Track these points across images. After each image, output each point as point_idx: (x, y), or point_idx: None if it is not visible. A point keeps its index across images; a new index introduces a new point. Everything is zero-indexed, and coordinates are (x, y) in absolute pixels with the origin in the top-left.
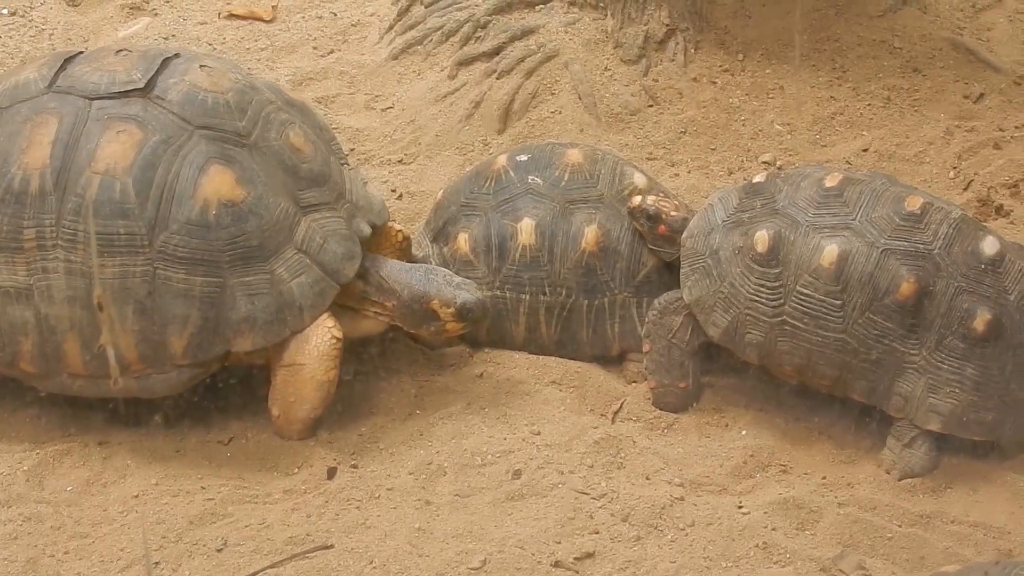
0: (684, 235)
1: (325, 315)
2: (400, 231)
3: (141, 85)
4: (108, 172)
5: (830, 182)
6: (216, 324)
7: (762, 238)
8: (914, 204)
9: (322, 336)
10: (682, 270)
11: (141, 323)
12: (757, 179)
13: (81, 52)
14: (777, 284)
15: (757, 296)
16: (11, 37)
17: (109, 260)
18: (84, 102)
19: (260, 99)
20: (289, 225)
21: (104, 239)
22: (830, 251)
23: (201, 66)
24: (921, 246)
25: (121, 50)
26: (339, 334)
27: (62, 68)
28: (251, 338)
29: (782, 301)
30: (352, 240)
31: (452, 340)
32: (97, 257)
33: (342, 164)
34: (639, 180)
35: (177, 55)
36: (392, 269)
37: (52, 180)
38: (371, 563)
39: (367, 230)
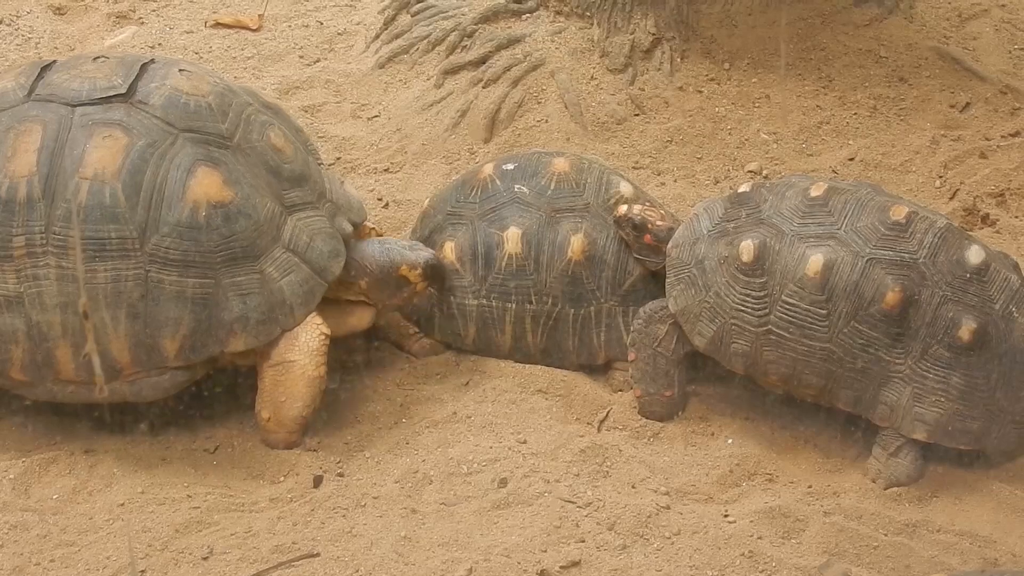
0: (670, 245)
1: (312, 312)
2: (373, 228)
3: (123, 90)
4: (97, 177)
5: (815, 191)
6: (209, 325)
7: (747, 248)
8: (899, 213)
9: (311, 332)
10: (667, 280)
11: (134, 327)
12: (742, 189)
13: (55, 61)
14: (762, 294)
15: (742, 306)
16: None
17: (101, 265)
18: (67, 109)
19: (239, 101)
20: (276, 225)
21: (96, 244)
22: (815, 261)
23: (180, 70)
24: (906, 255)
25: (98, 57)
26: (327, 331)
27: (39, 77)
28: (244, 338)
29: (767, 311)
30: (336, 238)
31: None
32: (89, 262)
33: (319, 164)
34: (625, 189)
35: (153, 60)
36: (356, 249)
37: (40, 187)
38: (357, 571)
39: (349, 228)
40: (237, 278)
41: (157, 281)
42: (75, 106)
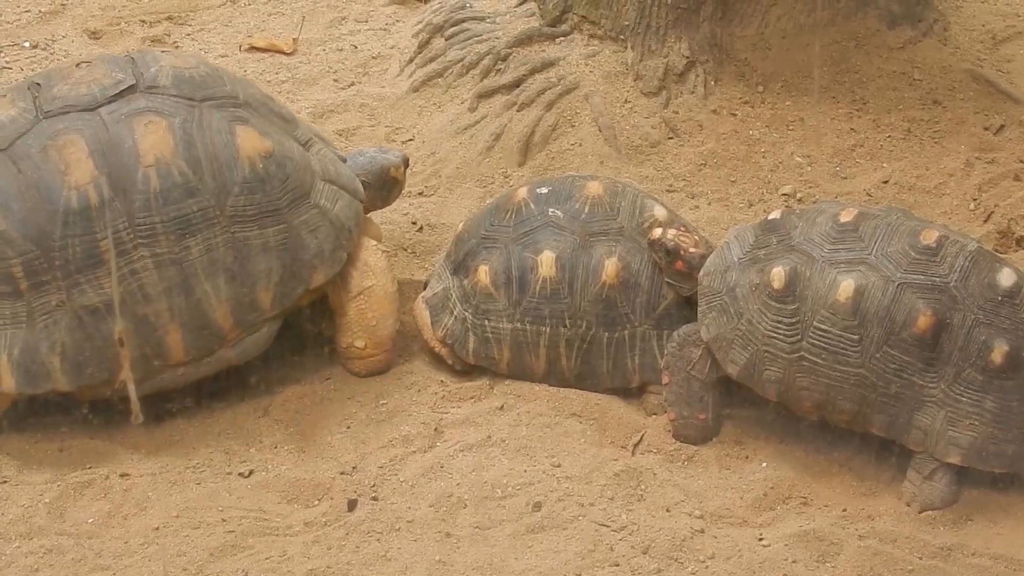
0: (701, 273)
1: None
2: None
3: (133, 82)
4: (160, 161)
5: (845, 217)
6: (293, 267)
7: (778, 274)
8: (929, 237)
9: (374, 254)
10: (699, 308)
11: (233, 289)
12: (772, 216)
13: (35, 81)
14: (794, 320)
15: (775, 333)
16: (33, 70)
17: (191, 240)
18: (91, 113)
19: (216, 66)
20: (308, 161)
21: (181, 222)
22: (846, 286)
23: (162, 52)
24: (937, 279)
25: (79, 63)
26: (383, 247)
27: (35, 96)
28: (323, 271)
29: (799, 337)
30: (345, 163)
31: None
32: (180, 240)
33: None
34: (659, 212)
35: (128, 54)
36: (351, 167)
37: (109, 187)
38: None
39: (343, 154)
40: (303, 217)
41: (243, 239)
42: (96, 108)
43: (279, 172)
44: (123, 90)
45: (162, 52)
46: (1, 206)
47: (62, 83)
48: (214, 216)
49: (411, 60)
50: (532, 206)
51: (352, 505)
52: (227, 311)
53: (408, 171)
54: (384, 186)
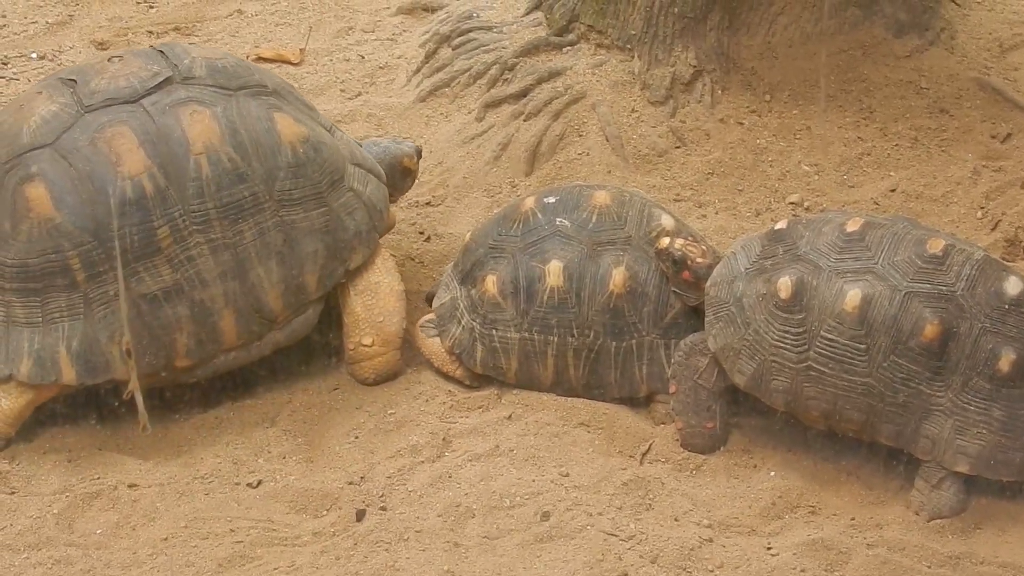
0: (708, 283)
1: None
2: None
3: (170, 73)
4: (209, 149)
5: (851, 227)
6: (335, 248)
7: (785, 284)
8: (936, 246)
9: (382, 253)
10: (707, 318)
11: (283, 272)
12: (779, 226)
13: (70, 78)
14: (801, 330)
15: (782, 342)
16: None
17: (244, 224)
18: (134, 105)
19: (241, 58)
20: (337, 146)
21: (234, 207)
22: (853, 295)
23: (190, 44)
24: (944, 288)
25: (112, 57)
26: (389, 251)
27: (73, 92)
28: (361, 251)
29: (807, 347)
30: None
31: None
32: (233, 225)
33: None
34: (667, 222)
35: (153, 46)
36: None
37: (162, 176)
38: None
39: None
40: (341, 199)
41: (291, 223)
42: (137, 101)
43: (316, 156)
44: (161, 81)
45: (191, 44)
46: (55, 199)
47: (99, 77)
48: (264, 200)
49: (418, 70)
50: (539, 216)
51: (360, 515)
52: (278, 294)
53: (420, 162)
54: (398, 176)
